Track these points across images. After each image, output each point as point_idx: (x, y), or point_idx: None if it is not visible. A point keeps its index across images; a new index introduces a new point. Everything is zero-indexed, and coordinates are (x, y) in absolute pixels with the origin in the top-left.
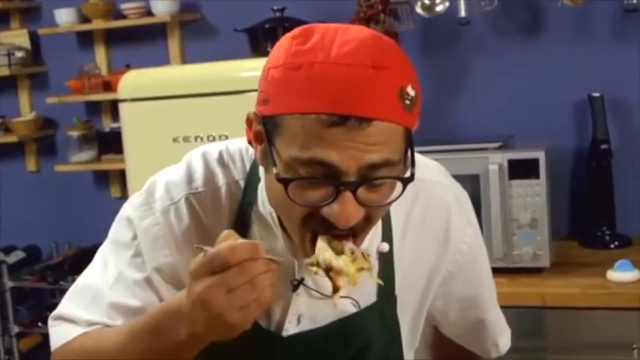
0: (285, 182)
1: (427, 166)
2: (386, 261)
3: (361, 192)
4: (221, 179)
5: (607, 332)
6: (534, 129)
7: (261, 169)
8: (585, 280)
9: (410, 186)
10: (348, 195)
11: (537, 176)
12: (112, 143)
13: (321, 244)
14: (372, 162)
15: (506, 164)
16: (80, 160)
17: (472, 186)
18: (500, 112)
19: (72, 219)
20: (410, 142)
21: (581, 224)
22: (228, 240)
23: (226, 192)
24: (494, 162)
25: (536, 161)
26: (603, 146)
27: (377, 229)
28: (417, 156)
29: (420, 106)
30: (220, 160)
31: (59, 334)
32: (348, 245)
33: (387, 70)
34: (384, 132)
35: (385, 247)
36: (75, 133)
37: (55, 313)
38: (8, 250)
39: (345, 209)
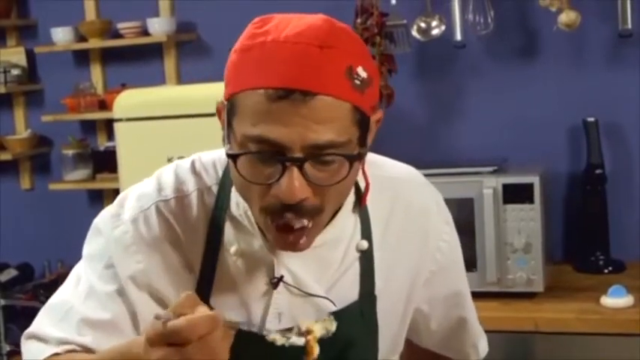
0: (234, 158)
1: (401, 168)
2: (365, 260)
3: (308, 169)
4: (192, 186)
5: (600, 358)
6: (529, 153)
7: (230, 164)
8: (579, 305)
9: (387, 185)
10: (294, 171)
11: (532, 201)
12: (106, 162)
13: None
14: (317, 142)
15: (500, 188)
16: (75, 179)
17: (466, 210)
18: (494, 136)
19: (65, 238)
20: (364, 125)
21: (576, 249)
22: (188, 306)
23: (198, 198)
24: (488, 186)
25: (530, 186)
26: (598, 171)
27: (356, 228)
28: (393, 161)
29: (378, 92)
30: (192, 168)
31: (30, 354)
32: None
33: (335, 50)
34: (329, 108)
35: (364, 244)
36: (70, 152)
37: (27, 331)
38: (1, 268)
39: (292, 184)
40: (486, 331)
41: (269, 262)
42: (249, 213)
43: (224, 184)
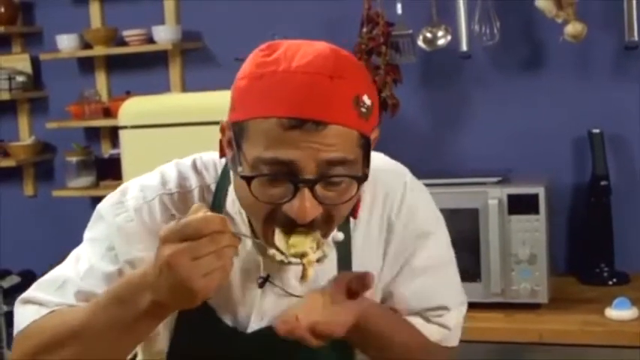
0: (248, 180)
1: (376, 156)
2: (343, 251)
3: (319, 190)
4: (194, 183)
5: None
6: (533, 164)
7: (232, 174)
8: (583, 317)
9: (371, 179)
10: (306, 192)
11: (537, 212)
12: (110, 169)
13: (279, 235)
14: (330, 158)
15: (505, 199)
16: (78, 186)
17: (471, 220)
18: (499, 146)
19: (68, 245)
20: (366, 148)
21: (580, 260)
22: (199, 212)
23: (199, 195)
24: (493, 197)
25: (535, 197)
26: (603, 182)
27: None
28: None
29: (378, 115)
30: (194, 166)
31: (25, 316)
32: (316, 235)
33: (344, 80)
34: (338, 135)
35: (340, 236)
36: (73, 159)
37: (22, 296)
38: (3, 275)
39: (304, 205)
40: (490, 343)
41: (257, 263)
42: (244, 214)
43: (221, 183)
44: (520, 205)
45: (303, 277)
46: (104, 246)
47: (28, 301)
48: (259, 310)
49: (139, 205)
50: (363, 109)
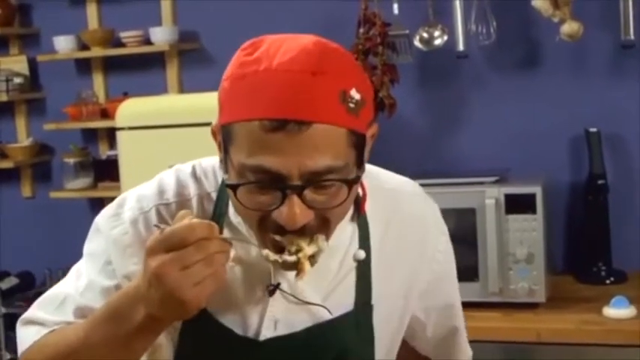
0: (233, 188)
1: (402, 181)
2: (363, 269)
3: (308, 194)
4: (192, 191)
5: None
6: (531, 163)
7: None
8: (581, 315)
9: (382, 195)
10: (294, 198)
11: (534, 211)
12: (108, 171)
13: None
14: (314, 169)
15: (502, 199)
16: (76, 187)
17: (468, 220)
18: (496, 146)
19: (66, 246)
20: (360, 146)
21: (577, 259)
22: (184, 219)
23: (198, 203)
24: (490, 196)
25: (532, 196)
26: (600, 181)
27: (354, 237)
28: (391, 173)
29: (372, 109)
30: (193, 174)
31: (26, 336)
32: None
33: (327, 75)
34: (325, 135)
35: (361, 254)
36: (71, 160)
37: (23, 317)
38: (1, 276)
39: (292, 212)
40: (488, 342)
41: (265, 270)
42: None
43: (222, 191)
44: (517, 204)
45: (299, 272)
46: (101, 261)
47: (29, 322)
48: (271, 318)
49: (135, 216)
50: (352, 104)
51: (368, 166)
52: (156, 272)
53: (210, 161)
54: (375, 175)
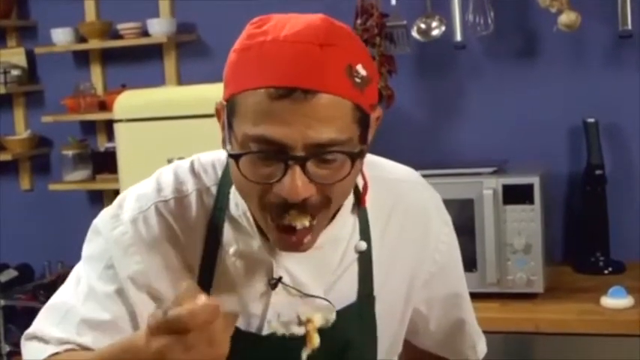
0: (236, 157)
1: (399, 169)
2: (364, 261)
3: (311, 167)
4: (191, 186)
5: (601, 359)
6: (528, 153)
7: (231, 165)
8: (579, 306)
9: (384, 186)
10: (297, 170)
11: (532, 201)
12: (106, 163)
13: None
14: (318, 141)
15: (500, 189)
16: (74, 179)
17: (466, 211)
18: (494, 137)
19: (65, 238)
20: (364, 123)
21: (576, 250)
22: (188, 296)
23: (197, 198)
24: (488, 187)
25: (530, 186)
26: (598, 172)
27: (355, 229)
28: (393, 163)
29: (377, 90)
30: (191, 169)
31: (30, 354)
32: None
33: (335, 48)
34: (330, 106)
35: (363, 245)
36: (69, 152)
37: (28, 331)
38: (0, 269)
39: (294, 183)
40: (486, 332)
41: (268, 263)
42: (249, 214)
43: (223, 184)
44: (515, 195)
45: (309, 343)
46: (102, 264)
47: (33, 337)
48: (273, 311)
49: (135, 216)
50: (358, 79)
51: (369, 156)
52: (161, 351)
53: (210, 156)
54: (376, 166)
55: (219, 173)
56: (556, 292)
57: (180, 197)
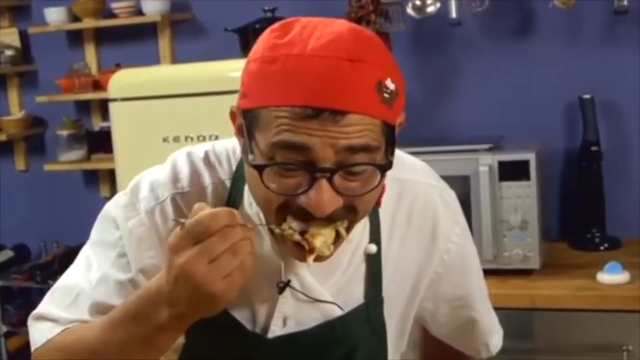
0: (259, 168)
1: (413, 167)
2: (373, 263)
3: (338, 180)
4: (207, 179)
5: (596, 334)
6: (524, 130)
7: (246, 167)
8: (575, 281)
9: (395, 186)
10: (324, 182)
11: (528, 178)
12: (101, 142)
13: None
14: (350, 145)
15: (496, 166)
16: (69, 160)
17: (462, 187)
18: (490, 113)
19: (61, 218)
20: (390, 136)
21: (572, 226)
22: (202, 210)
23: (212, 192)
24: (484, 163)
25: (526, 163)
26: (593, 148)
27: (365, 230)
28: (404, 156)
29: (404, 100)
30: (206, 160)
31: (40, 333)
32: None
33: (365, 63)
34: (358, 124)
35: (373, 248)
36: (64, 132)
37: (35, 312)
38: None
39: (322, 197)
40: None
41: (277, 266)
42: (262, 215)
43: (237, 179)
44: (511, 171)
45: (310, 252)
46: (115, 252)
47: (41, 317)
48: (280, 315)
49: (151, 207)
50: (386, 95)
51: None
52: (184, 268)
53: (224, 145)
54: (395, 165)
55: (234, 166)
56: (552, 268)
57: (197, 189)
